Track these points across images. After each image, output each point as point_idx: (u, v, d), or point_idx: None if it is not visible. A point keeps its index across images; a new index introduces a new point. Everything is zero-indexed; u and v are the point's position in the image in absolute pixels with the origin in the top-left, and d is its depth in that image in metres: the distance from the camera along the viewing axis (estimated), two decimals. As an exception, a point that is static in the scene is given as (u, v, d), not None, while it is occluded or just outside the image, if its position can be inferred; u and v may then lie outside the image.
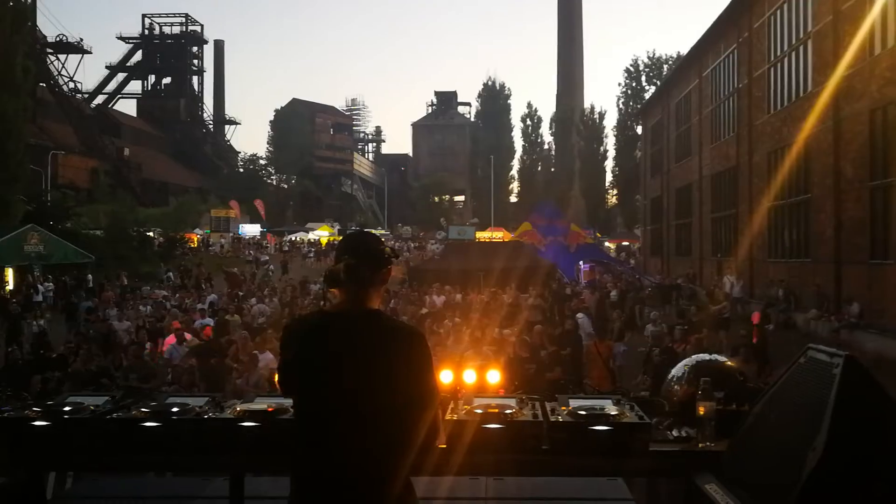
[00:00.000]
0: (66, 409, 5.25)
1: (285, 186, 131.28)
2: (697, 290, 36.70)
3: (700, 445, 4.80)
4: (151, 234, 61.92)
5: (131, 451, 5.03)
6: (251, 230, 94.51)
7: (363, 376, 3.69)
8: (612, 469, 5.01)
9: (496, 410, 4.99)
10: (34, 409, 5.27)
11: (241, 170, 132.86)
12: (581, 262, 42.29)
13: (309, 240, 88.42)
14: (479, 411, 5.00)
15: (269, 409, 5.07)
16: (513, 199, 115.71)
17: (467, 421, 4.85)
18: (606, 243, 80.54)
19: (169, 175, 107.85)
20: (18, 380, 13.74)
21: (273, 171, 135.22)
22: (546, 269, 34.58)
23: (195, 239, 76.77)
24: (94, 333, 21.78)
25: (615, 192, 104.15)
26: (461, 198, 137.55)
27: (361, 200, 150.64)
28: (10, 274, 40.03)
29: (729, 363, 5.77)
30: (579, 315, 22.71)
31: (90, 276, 42.79)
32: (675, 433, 5.03)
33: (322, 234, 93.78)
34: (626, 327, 23.82)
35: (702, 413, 4.81)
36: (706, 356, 5.98)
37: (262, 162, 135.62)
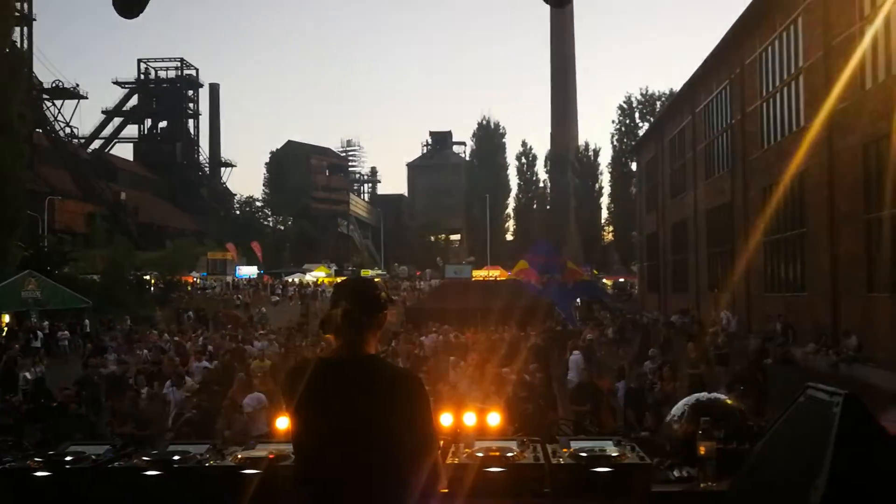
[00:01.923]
0: (68, 458, 5.25)
1: (282, 228, 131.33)
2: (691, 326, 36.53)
3: (702, 486, 4.79)
4: (148, 277, 61.92)
5: (134, 500, 5.01)
6: (248, 272, 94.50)
7: (362, 423, 3.68)
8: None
9: (497, 454, 4.99)
10: (35, 458, 5.26)
11: (238, 212, 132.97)
12: (577, 300, 42.28)
13: (299, 281, 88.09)
14: (480, 454, 4.99)
15: (270, 457, 5.07)
16: (509, 237, 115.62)
17: (468, 464, 4.84)
18: (603, 280, 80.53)
19: (165, 218, 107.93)
20: (15, 428, 13.67)
21: (269, 213, 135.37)
22: (544, 307, 34.51)
23: (190, 281, 76.75)
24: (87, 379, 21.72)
25: (611, 228, 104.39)
26: (457, 237, 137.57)
27: (358, 241, 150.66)
28: (5, 319, 39.97)
29: (728, 402, 5.74)
30: (575, 352, 22.62)
31: (87, 321, 42.76)
32: (676, 473, 5.01)
33: (319, 274, 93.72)
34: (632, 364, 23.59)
35: (703, 453, 4.80)
36: (705, 395, 5.97)
37: (258, 204, 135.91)
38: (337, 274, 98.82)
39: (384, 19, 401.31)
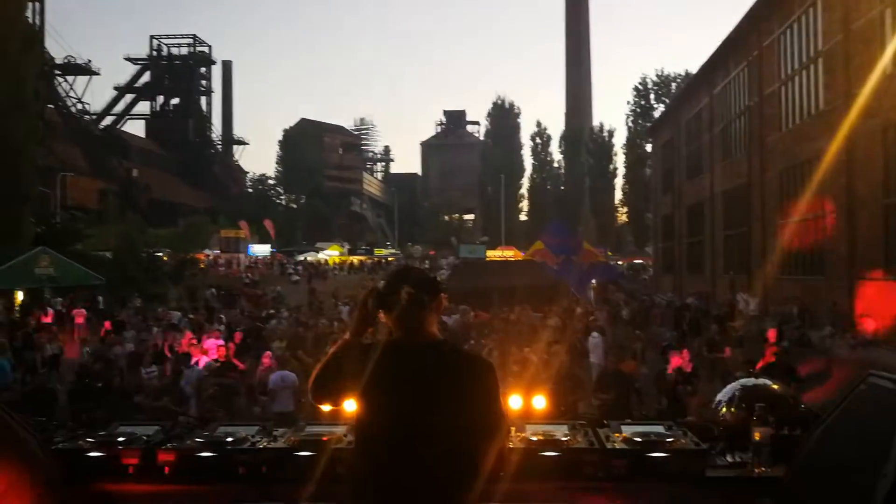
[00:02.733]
0: (120, 439, 5.27)
1: (294, 206, 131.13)
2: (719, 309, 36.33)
3: (756, 471, 4.77)
4: (161, 255, 61.91)
5: (187, 481, 5.05)
6: (261, 250, 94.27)
7: (433, 406, 3.70)
8: (669, 496, 4.96)
9: (552, 438, 4.98)
10: (87, 439, 5.28)
11: (250, 190, 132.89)
12: (593, 280, 42.23)
13: (308, 260, 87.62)
14: (534, 439, 4.98)
15: (324, 439, 5.08)
16: (523, 217, 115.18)
17: (523, 449, 4.84)
18: (617, 261, 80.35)
19: (178, 196, 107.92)
20: (46, 407, 13.61)
21: (282, 191, 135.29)
22: (560, 287, 34.48)
23: (202, 259, 76.68)
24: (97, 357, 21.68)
25: (625, 209, 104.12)
26: (471, 216, 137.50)
27: (371, 220, 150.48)
28: (19, 297, 39.94)
29: (775, 387, 5.72)
30: (593, 335, 22.48)
31: (101, 299, 42.76)
32: (729, 459, 5.00)
33: (332, 253, 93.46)
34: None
35: (758, 438, 4.77)
36: (752, 380, 5.95)
37: (270, 182, 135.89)
38: (350, 253, 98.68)
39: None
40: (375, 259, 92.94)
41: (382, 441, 3.74)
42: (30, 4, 58.89)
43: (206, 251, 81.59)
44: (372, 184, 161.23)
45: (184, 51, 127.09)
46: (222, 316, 32.01)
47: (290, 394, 14.97)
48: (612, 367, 15.96)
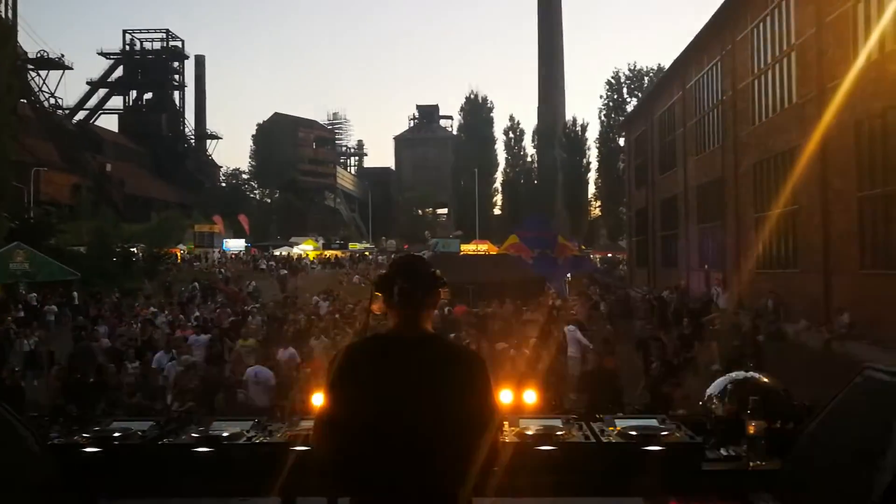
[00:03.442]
0: (116, 434, 5.26)
1: (268, 201, 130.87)
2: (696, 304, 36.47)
3: (751, 465, 4.80)
4: (135, 250, 61.65)
5: (183, 476, 5.05)
6: (235, 245, 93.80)
7: (425, 400, 3.66)
8: (665, 490, 4.95)
9: (547, 432, 5.00)
10: (82, 434, 5.27)
11: (224, 184, 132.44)
12: (568, 275, 42.23)
13: (285, 255, 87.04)
14: (529, 433, 5.00)
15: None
16: (497, 211, 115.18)
17: (519, 443, 4.85)
18: (591, 255, 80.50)
19: (151, 190, 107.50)
20: (14, 402, 13.54)
21: (256, 186, 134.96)
22: (536, 281, 34.54)
23: (178, 254, 76.39)
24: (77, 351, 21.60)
25: (598, 203, 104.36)
26: (444, 211, 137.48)
27: (345, 214, 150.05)
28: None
29: (766, 380, 5.74)
30: (570, 327, 22.40)
31: (76, 294, 42.53)
32: (723, 452, 5.02)
33: (306, 248, 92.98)
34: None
35: (752, 432, 4.79)
36: (741, 373, 5.96)
37: (244, 176, 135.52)
38: (325, 247, 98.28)
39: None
40: (347, 254, 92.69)
41: (373, 434, 3.68)
42: (2, -1, 58.63)
43: (181, 246, 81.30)
44: (345, 178, 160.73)
45: (157, 45, 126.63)
46: (198, 313, 31.93)
47: (263, 390, 14.92)
48: (594, 365, 15.72)
